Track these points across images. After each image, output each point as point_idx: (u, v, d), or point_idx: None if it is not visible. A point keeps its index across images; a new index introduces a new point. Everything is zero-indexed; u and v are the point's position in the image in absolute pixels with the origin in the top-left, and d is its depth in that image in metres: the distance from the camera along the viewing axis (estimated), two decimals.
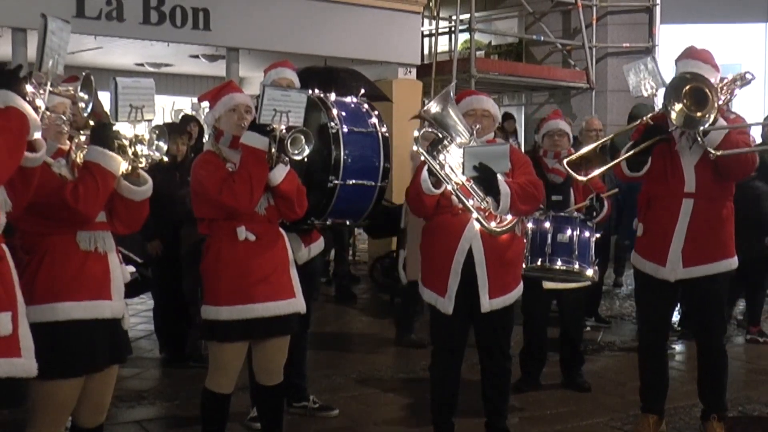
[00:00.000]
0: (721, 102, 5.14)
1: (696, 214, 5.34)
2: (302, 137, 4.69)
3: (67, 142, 3.99)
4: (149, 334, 8.64)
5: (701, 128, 5.07)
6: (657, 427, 5.71)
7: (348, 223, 5.94)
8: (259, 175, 4.66)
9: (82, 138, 3.96)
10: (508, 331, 5.61)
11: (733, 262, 5.50)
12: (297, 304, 4.94)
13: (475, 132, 5.34)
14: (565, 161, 5.68)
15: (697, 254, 5.35)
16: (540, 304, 6.96)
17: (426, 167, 5.21)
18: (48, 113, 3.67)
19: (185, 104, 15.64)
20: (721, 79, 5.33)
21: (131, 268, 7.54)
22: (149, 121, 4.04)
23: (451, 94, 5.41)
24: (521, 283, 5.58)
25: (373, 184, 5.41)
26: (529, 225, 6.04)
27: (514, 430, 5.76)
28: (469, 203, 5.18)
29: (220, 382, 4.89)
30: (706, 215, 5.35)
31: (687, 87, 5.06)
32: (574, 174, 5.60)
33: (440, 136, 5.26)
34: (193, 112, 13.22)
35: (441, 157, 5.20)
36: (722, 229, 5.45)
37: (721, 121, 5.15)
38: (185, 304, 7.59)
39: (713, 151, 5.06)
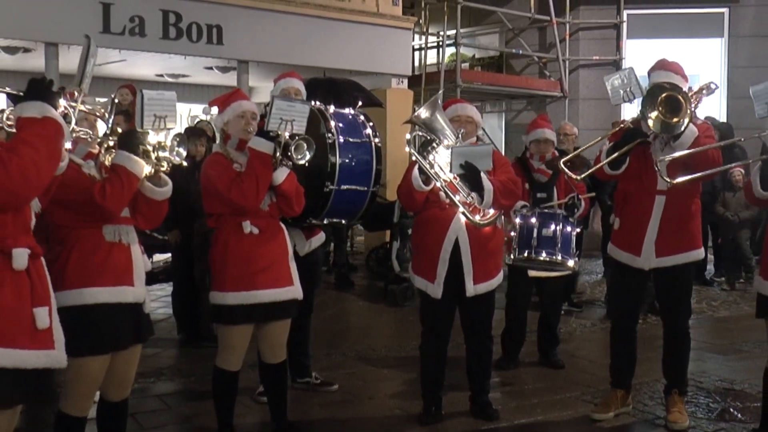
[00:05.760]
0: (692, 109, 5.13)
1: (667, 209, 5.33)
2: (305, 144, 4.71)
3: (96, 146, 4.01)
4: (168, 317, 8.63)
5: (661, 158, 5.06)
6: (624, 400, 5.72)
7: (343, 222, 5.92)
8: (265, 176, 4.67)
9: (111, 143, 3.98)
10: (490, 314, 5.63)
11: (700, 253, 5.50)
12: (295, 291, 4.95)
13: (460, 135, 5.35)
14: (561, 162, 5.64)
15: (668, 246, 5.35)
16: (523, 290, 6.98)
17: (417, 166, 5.22)
18: (76, 127, 3.70)
19: (200, 111, 15.60)
20: (689, 89, 5.32)
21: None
22: (171, 129, 4.05)
23: (439, 101, 5.41)
24: (501, 271, 5.59)
25: (366, 188, 5.38)
26: (517, 220, 6.06)
27: (495, 404, 5.77)
28: (456, 198, 5.20)
29: (228, 361, 4.90)
30: (677, 211, 5.35)
31: (663, 95, 5.03)
32: (569, 173, 5.57)
33: (429, 138, 5.26)
34: (206, 116, 13.17)
35: (430, 157, 5.22)
36: (691, 222, 5.45)
37: (692, 127, 5.13)
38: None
39: (668, 180, 5.04)
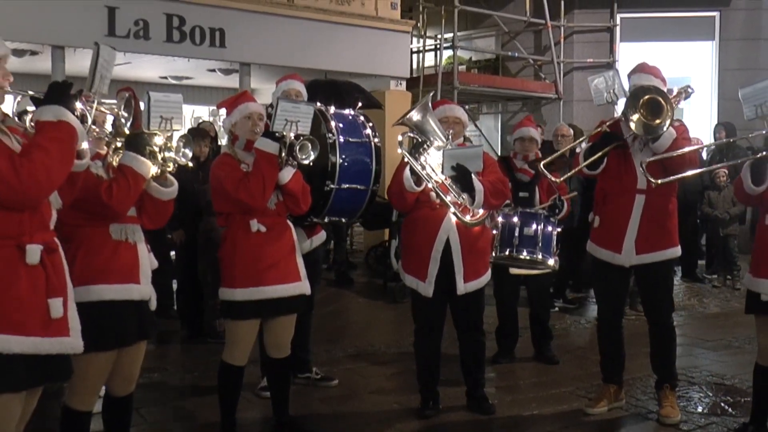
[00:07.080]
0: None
1: (647, 208, 5.34)
2: (309, 144, 4.72)
3: (104, 147, 4.03)
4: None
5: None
6: (617, 395, 5.73)
7: (343, 221, 5.93)
8: (271, 175, 4.67)
9: (118, 144, 3.99)
10: (480, 310, 5.65)
11: (677, 250, 5.51)
12: (302, 286, 4.95)
13: (450, 136, 5.36)
14: (541, 164, 5.66)
15: (648, 243, 5.37)
16: (508, 288, 6.98)
17: (408, 167, 5.21)
18: (93, 126, 3.72)
19: (204, 112, 15.61)
20: (669, 91, 5.32)
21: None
22: (177, 130, 4.06)
23: (429, 104, 5.41)
24: (489, 269, 5.60)
25: (366, 188, 5.38)
26: (500, 219, 6.05)
27: (491, 398, 5.78)
28: (447, 199, 5.20)
29: (234, 355, 4.89)
30: (656, 209, 5.36)
31: (645, 97, 5.04)
32: (549, 176, 5.59)
33: (421, 140, 5.26)
34: (211, 118, 13.18)
35: (422, 158, 5.22)
36: (669, 221, 5.45)
37: (670, 129, 5.14)
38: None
39: (654, 181, 5.01)
